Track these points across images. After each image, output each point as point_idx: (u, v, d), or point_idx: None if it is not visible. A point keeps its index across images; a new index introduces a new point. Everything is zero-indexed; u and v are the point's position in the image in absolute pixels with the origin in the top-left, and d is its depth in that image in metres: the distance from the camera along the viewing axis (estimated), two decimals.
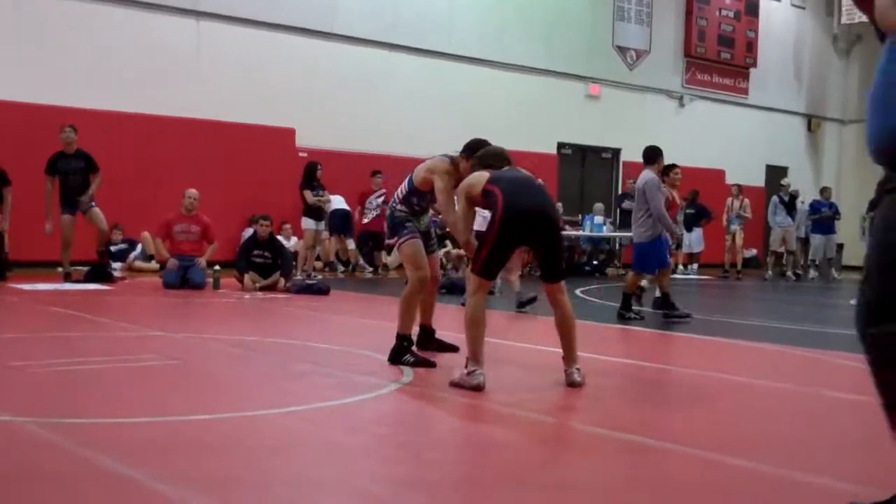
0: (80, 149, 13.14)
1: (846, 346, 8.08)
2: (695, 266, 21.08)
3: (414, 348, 6.94)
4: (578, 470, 4.39)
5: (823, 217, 20.99)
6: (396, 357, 6.77)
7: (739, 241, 20.97)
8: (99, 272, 13.27)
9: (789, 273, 21.14)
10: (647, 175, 10.76)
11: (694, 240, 20.89)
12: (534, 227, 6.06)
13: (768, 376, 7.14)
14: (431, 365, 6.69)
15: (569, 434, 5.10)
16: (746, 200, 21.20)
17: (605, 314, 11.34)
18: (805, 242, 21.80)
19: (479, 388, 5.78)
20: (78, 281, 12.95)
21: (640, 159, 11.21)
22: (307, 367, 6.75)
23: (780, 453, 4.63)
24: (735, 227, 20.94)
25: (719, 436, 5.01)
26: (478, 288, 6.11)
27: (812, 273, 21.45)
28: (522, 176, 6.37)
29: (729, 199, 21.27)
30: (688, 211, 20.75)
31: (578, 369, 6.12)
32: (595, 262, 20.05)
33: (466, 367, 5.92)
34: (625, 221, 20.23)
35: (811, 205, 21.53)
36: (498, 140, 6.83)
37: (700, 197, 21.01)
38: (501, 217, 5.96)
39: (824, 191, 21.61)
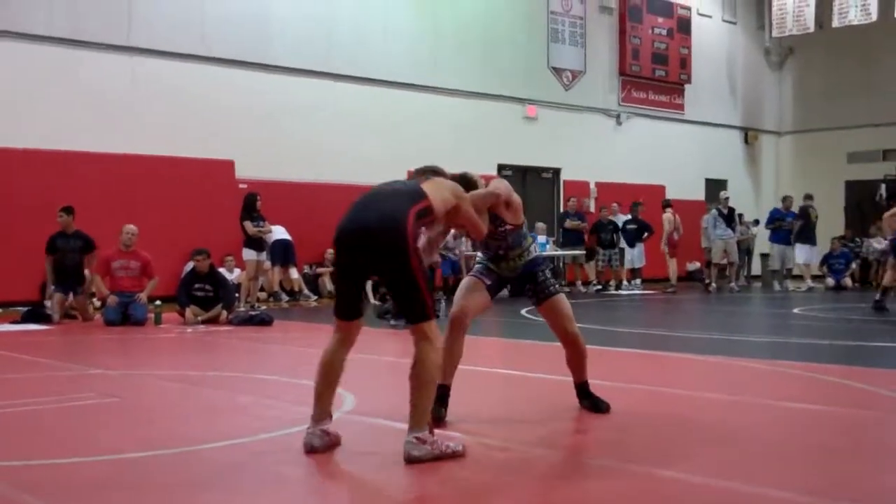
0: (78, 230, 13.52)
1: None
2: (638, 281, 21.20)
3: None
4: (543, 496, 4.38)
5: (784, 226, 20.90)
6: None
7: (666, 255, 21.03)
8: (37, 313, 13.10)
9: (733, 284, 21.31)
10: None
11: (636, 255, 21.03)
12: (353, 250, 4.74)
13: (719, 389, 7.19)
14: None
15: (530, 461, 5.02)
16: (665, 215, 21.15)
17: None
18: (747, 253, 21.90)
19: (306, 449, 4.80)
20: (16, 322, 12.77)
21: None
22: (249, 398, 6.69)
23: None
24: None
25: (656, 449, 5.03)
26: (334, 329, 5.00)
27: (777, 285, 21.04)
28: (383, 187, 5.02)
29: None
30: (629, 226, 20.91)
31: (418, 439, 4.58)
32: None
33: None
34: (567, 240, 20.35)
35: (771, 213, 21.49)
36: (439, 164, 6.30)
37: (642, 213, 21.18)
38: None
39: (785, 199, 21.49)
